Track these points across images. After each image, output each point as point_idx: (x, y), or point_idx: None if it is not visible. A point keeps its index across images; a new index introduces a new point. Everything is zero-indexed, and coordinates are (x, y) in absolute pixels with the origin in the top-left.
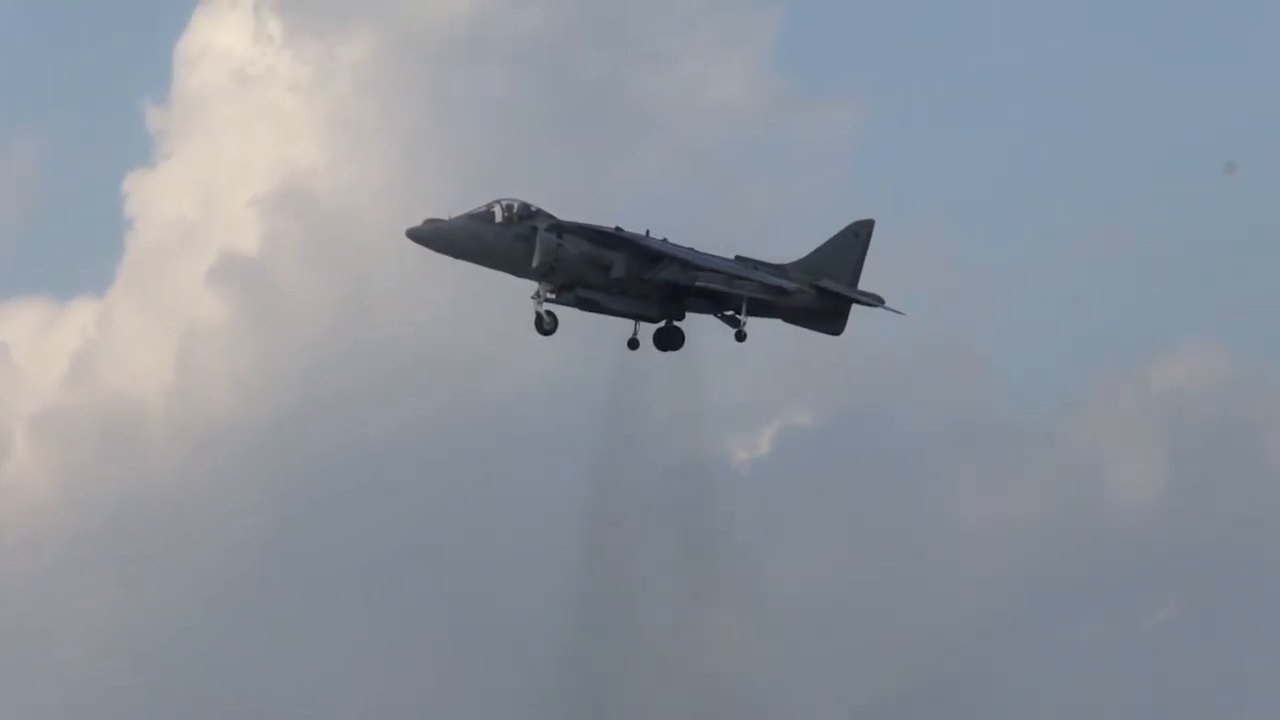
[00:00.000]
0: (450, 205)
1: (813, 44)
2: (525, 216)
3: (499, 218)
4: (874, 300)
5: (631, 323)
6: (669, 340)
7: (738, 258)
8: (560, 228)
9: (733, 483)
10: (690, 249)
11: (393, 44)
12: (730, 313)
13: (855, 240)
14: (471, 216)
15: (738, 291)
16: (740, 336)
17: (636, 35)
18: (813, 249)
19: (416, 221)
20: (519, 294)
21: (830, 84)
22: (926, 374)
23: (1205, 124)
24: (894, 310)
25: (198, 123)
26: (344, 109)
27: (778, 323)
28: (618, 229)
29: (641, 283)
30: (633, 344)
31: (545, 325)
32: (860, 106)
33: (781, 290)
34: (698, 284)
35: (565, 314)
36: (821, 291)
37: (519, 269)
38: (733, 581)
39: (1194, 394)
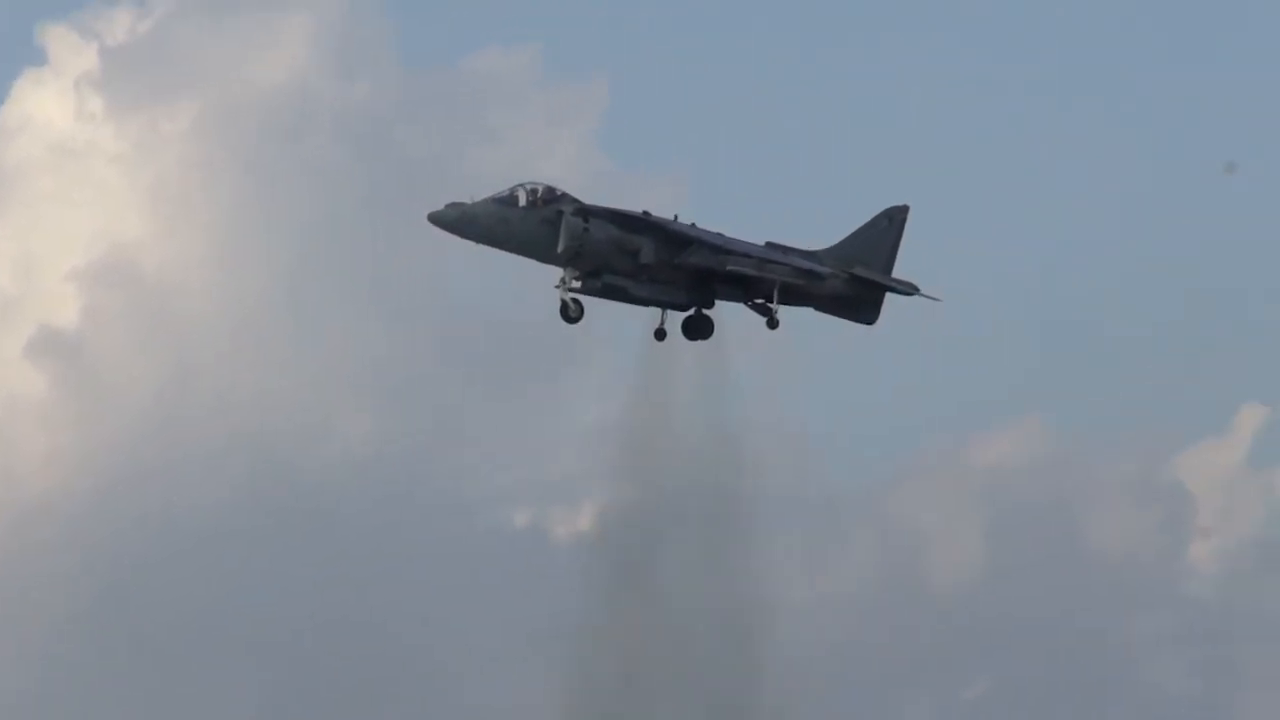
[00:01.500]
0: (274, 283)
1: (639, 120)
2: (550, 200)
3: (523, 201)
4: (908, 288)
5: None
6: (698, 328)
7: (768, 244)
8: (586, 211)
9: (558, 558)
10: (719, 234)
11: (216, 116)
12: (761, 301)
13: (889, 226)
14: (495, 200)
15: (769, 276)
16: (773, 324)
17: (464, 110)
18: (844, 236)
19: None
20: (336, 367)
21: (655, 160)
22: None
23: (1030, 217)
24: (930, 297)
25: (17, 195)
26: (166, 181)
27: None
28: (645, 213)
29: (670, 268)
30: (659, 334)
31: (571, 313)
32: (683, 181)
33: (814, 274)
34: (728, 268)
35: None
36: (854, 279)
37: (544, 254)
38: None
39: (1014, 472)
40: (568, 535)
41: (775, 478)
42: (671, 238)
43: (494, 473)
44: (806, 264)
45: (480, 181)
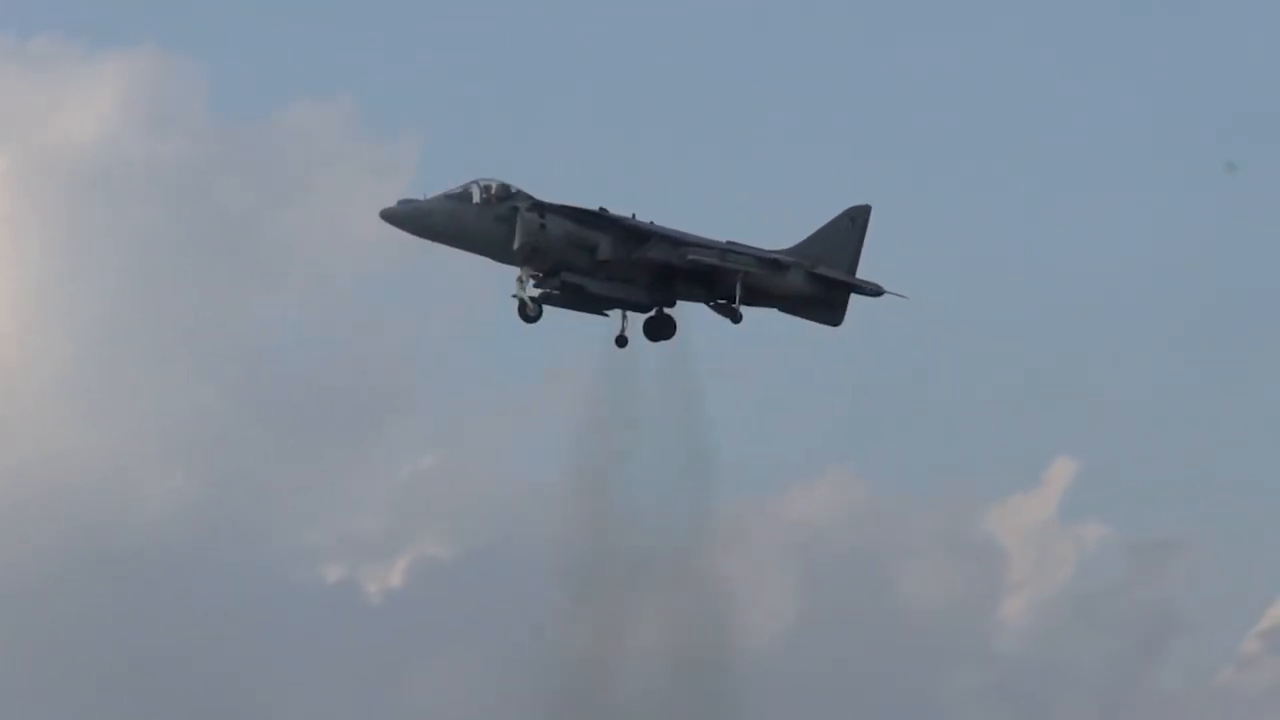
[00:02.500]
0: (84, 339)
1: (452, 175)
2: (505, 197)
3: (477, 198)
4: (873, 288)
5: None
6: (660, 329)
7: (729, 242)
8: (543, 208)
9: (364, 614)
10: (679, 231)
11: (24, 170)
12: (723, 301)
13: (851, 226)
14: (448, 196)
15: (730, 266)
16: (737, 318)
17: (276, 166)
18: (806, 236)
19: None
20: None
21: None
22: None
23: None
24: (897, 294)
25: None
26: None
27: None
28: (602, 209)
29: (629, 264)
30: (621, 341)
31: (529, 312)
32: None
33: (777, 264)
34: (689, 258)
35: None
36: (817, 277)
37: (499, 252)
38: None
39: (828, 525)
40: (379, 591)
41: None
42: (630, 233)
43: (307, 528)
44: (768, 254)
45: (290, 237)
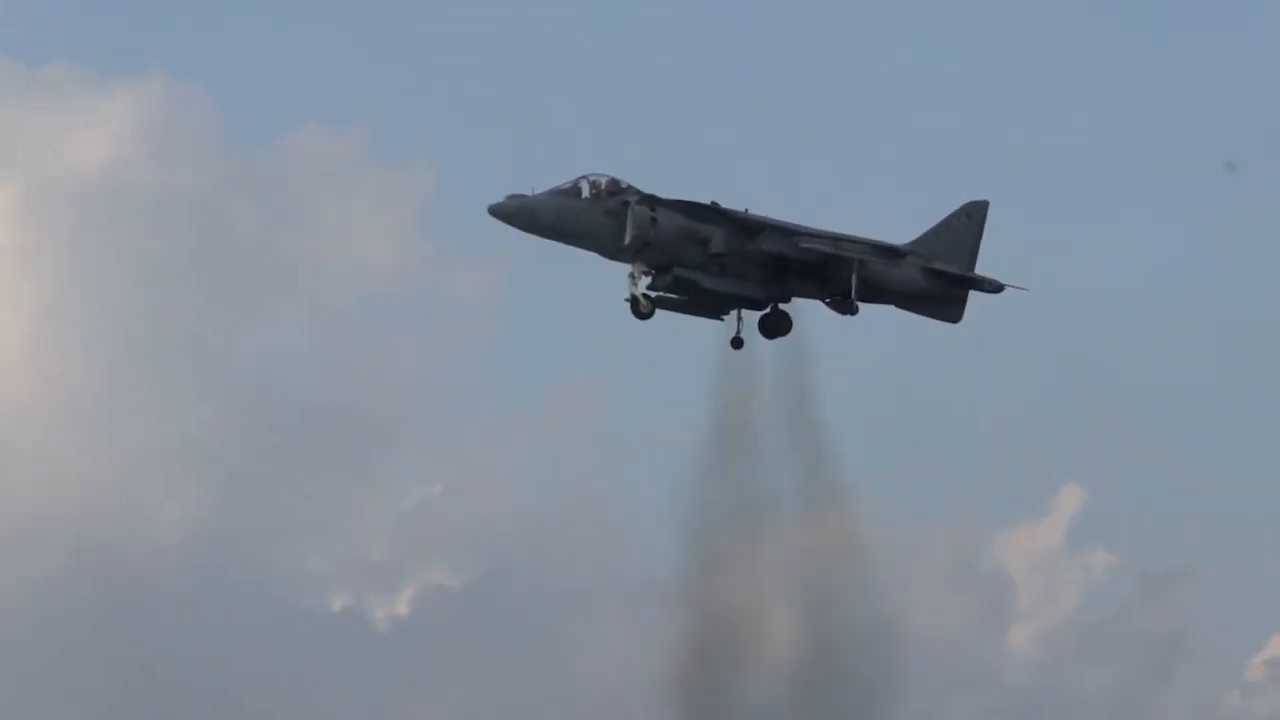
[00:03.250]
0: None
1: (463, 205)
2: (615, 192)
3: (586, 193)
4: (993, 285)
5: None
6: (776, 326)
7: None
8: (654, 201)
9: (373, 642)
10: (792, 223)
11: (35, 197)
12: (839, 296)
13: (969, 222)
14: (557, 192)
15: (845, 254)
16: (852, 309)
17: (286, 193)
18: (924, 231)
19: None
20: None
21: (480, 245)
22: (558, 534)
23: None
24: (1018, 287)
25: None
26: None
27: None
28: (714, 203)
29: (742, 258)
30: (736, 343)
31: (642, 308)
32: (505, 269)
33: (893, 252)
34: (803, 246)
35: None
36: (933, 272)
37: (610, 248)
38: None
39: (834, 552)
40: (386, 619)
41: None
42: (742, 225)
43: (312, 556)
44: (884, 242)
45: (302, 267)
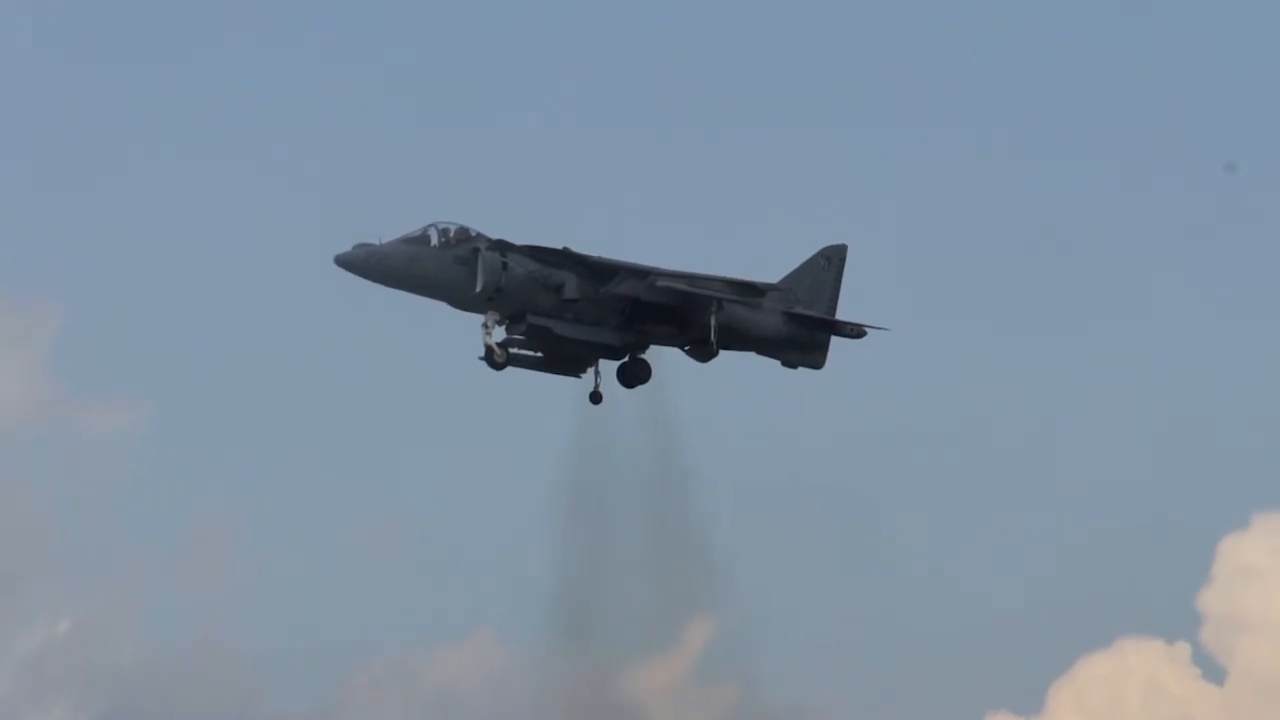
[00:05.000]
0: None
1: (94, 346)
2: (464, 239)
3: (435, 240)
4: (854, 330)
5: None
6: (635, 374)
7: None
8: (504, 247)
9: None
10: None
11: None
12: (698, 342)
13: (828, 265)
14: (405, 240)
15: (703, 291)
16: (710, 354)
17: None
18: (782, 275)
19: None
20: None
21: (111, 385)
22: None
23: None
24: (878, 327)
25: None
26: None
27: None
28: (566, 248)
29: (597, 304)
30: (595, 398)
31: (497, 358)
32: (142, 407)
33: (753, 289)
34: (659, 284)
35: None
36: (794, 317)
37: (461, 296)
38: None
39: (469, 688)
40: None
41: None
42: (596, 269)
43: None
44: (742, 278)
45: None
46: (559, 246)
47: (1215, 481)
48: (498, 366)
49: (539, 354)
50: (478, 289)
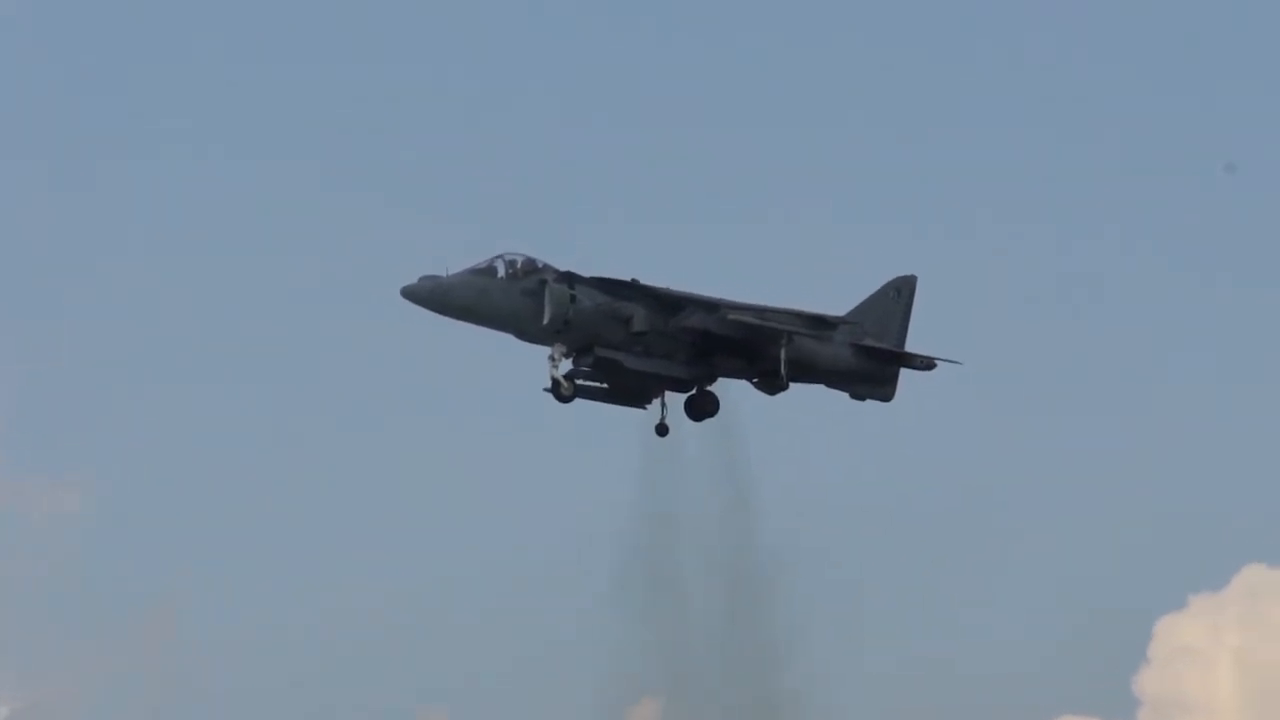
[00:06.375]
0: None
1: (33, 423)
2: (531, 271)
3: (502, 272)
4: (925, 361)
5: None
6: (703, 407)
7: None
8: (572, 279)
9: None
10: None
11: None
12: (767, 374)
13: (898, 297)
14: (473, 271)
15: (773, 324)
16: (780, 386)
17: None
18: (851, 308)
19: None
20: None
21: (52, 464)
22: None
23: None
24: (950, 360)
25: None
26: None
27: None
28: (634, 280)
29: (665, 336)
30: (661, 430)
31: (563, 391)
32: (90, 484)
33: (823, 322)
34: (729, 319)
35: None
36: (862, 350)
37: (528, 328)
38: None
39: None
40: None
41: None
42: (664, 302)
43: None
44: (812, 312)
45: None
46: (627, 278)
47: (1152, 564)
48: (564, 399)
49: (605, 385)
50: (545, 321)
